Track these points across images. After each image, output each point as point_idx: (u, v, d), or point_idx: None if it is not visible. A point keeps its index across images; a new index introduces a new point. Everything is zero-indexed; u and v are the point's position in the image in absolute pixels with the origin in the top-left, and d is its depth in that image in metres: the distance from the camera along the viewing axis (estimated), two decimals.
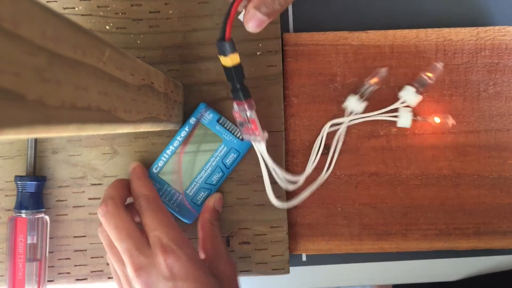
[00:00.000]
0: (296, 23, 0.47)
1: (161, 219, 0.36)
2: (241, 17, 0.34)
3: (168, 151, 0.44)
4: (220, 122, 0.44)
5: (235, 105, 0.38)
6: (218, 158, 0.43)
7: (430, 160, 0.45)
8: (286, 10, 0.47)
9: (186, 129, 0.43)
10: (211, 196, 0.43)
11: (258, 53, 0.45)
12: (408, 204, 0.45)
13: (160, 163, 0.43)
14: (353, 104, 0.44)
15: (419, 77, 0.44)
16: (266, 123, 0.45)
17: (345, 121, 0.45)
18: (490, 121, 0.46)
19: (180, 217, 0.43)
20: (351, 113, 0.45)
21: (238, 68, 0.36)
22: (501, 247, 0.45)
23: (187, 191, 0.43)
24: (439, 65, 0.44)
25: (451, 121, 0.44)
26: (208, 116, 0.44)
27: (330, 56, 0.46)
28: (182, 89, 0.44)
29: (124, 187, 0.40)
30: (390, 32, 0.46)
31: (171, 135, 0.44)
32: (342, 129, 0.45)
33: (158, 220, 0.36)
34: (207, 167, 0.43)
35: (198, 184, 0.43)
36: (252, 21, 0.34)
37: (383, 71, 0.44)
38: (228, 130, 0.44)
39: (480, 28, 0.46)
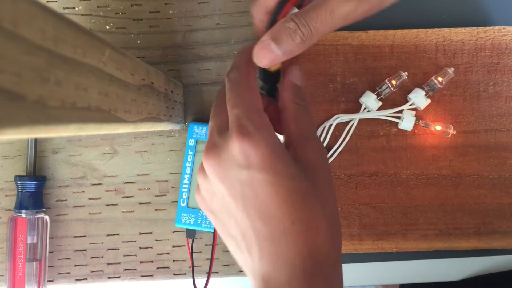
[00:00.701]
0: None
1: (246, 97, 0.29)
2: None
3: (185, 181, 0.44)
4: None
5: None
6: None
7: (430, 160, 0.45)
8: None
9: (190, 152, 0.44)
10: (287, 70, 0.33)
11: None
12: (408, 204, 0.45)
13: (184, 195, 0.44)
14: (371, 101, 0.44)
15: (430, 81, 0.44)
16: None
17: (357, 117, 0.45)
18: (490, 121, 0.46)
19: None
20: (364, 109, 0.45)
21: (278, 72, 0.33)
22: (501, 247, 0.45)
23: None
24: (450, 70, 0.44)
25: (451, 131, 0.44)
26: (202, 131, 0.44)
27: (330, 56, 0.46)
28: (182, 89, 0.44)
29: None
30: (390, 32, 0.46)
31: (171, 135, 0.45)
32: (354, 123, 0.45)
33: (242, 97, 0.29)
34: None
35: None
36: (262, 54, 0.28)
37: (404, 74, 0.44)
38: None
39: (480, 28, 0.46)
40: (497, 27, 0.46)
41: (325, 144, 0.45)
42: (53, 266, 0.44)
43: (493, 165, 0.45)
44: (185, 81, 0.45)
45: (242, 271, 0.44)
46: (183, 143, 0.45)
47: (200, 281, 0.44)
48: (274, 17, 0.30)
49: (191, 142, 0.44)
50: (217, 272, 0.44)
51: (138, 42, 0.45)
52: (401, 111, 0.45)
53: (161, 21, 0.45)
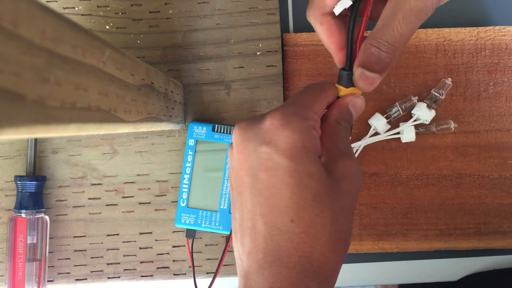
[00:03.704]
0: (296, 23, 0.47)
1: (308, 99, 0.29)
2: (336, 9, 0.29)
3: (185, 181, 0.44)
4: (216, 130, 0.44)
5: None
6: None
7: (430, 160, 0.45)
8: (286, 10, 0.47)
9: (190, 152, 0.44)
10: (348, 95, 0.31)
11: (258, 53, 0.45)
12: (408, 204, 0.45)
13: (184, 195, 0.44)
14: (381, 125, 0.44)
15: (431, 95, 0.44)
16: None
17: (361, 144, 0.45)
18: (490, 121, 0.46)
19: (227, 233, 0.44)
20: (373, 130, 0.45)
21: None
22: (501, 247, 0.45)
23: (221, 207, 0.43)
24: (448, 81, 0.44)
25: (453, 125, 0.44)
26: (202, 130, 0.44)
27: (330, 56, 0.45)
28: (182, 89, 0.44)
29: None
30: None
31: (171, 135, 0.44)
32: (358, 150, 0.45)
33: (303, 97, 0.29)
34: (226, 175, 0.44)
35: (227, 195, 0.44)
36: (362, 82, 0.29)
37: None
38: (227, 133, 0.44)
39: (480, 28, 0.46)
40: (497, 27, 0.46)
41: None
42: (53, 266, 0.44)
43: (494, 165, 0.45)
44: (185, 81, 0.45)
45: None
46: (183, 143, 0.45)
47: (200, 281, 0.44)
48: (351, 43, 0.30)
49: (191, 142, 0.44)
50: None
51: (138, 42, 0.45)
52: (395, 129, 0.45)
53: (161, 21, 0.45)
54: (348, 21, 0.29)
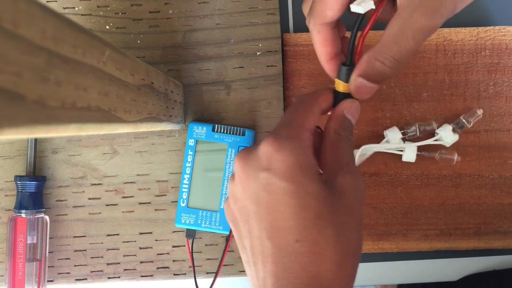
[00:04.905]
0: (296, 23, 0.47)
1: (298, 113, 0.30)
2: (355, 8, 0.29)
3: (185, 181, 0.44)
4: (216, 130, 0.44)
5: None
6: (232, 161, 0.44)
7: (431, 160, 0.45)
8: (286, 10, 0.47)
9: (190, 152, 0.44)
10: (343, 101, 0.31)
11: (258, 53, 0.45)
12: (408, 204, 0.45)
13: (184, 195, 0.44)
14: (396, 139, 0.44)
15: (458, 120, 0.44)
16: (266, 123, 0.45)
17: (372, 150, 0.44)
18: (490, 121, 0.46)
19: (227, 233, 0.44)
20: (386, 141, 0.44)
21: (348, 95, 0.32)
22: (501, 247, 0.45)
23: (221, 207, 0.43)
24: (479, 112, 0.44)
25: (456, 157, 0.44)
26: (202, 130, 0.44)
27: None
28: (182, 89, 0.44)
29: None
30: None
31: (171, 135, 0.44)
32: (368, 153, 0.44)
33: (293, 112, 0.30)
34: (226, 175, 0.44)
35: (227, 195, 0.44)
36: (359, 92, 0.30)
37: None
38: (227, 133, 0.44)
39: (480, 28, 0.46)
40: (497, 27, 0.46)
41: None
42: (53, 266, 0.44)
43: (494, 165, 0.45)
44: (185, 81, 0.45)
45: (242, 271, 0.44)
46: (183, 143, 0.45)
47: (200, 281, 0.44)
48: (352, 46, 0.30)
49: (191, 142, 0.44)
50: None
51: (138, 42, 0.45)
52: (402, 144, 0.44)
53: (161, 21, 0.45)
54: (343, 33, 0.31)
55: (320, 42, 0.31)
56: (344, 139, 0.30)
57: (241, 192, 0.28)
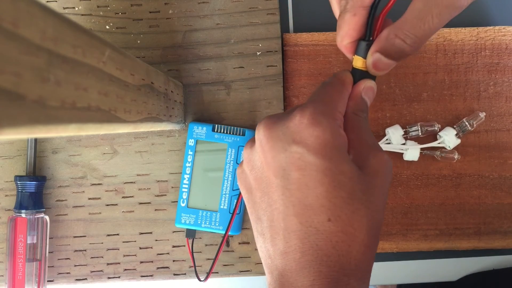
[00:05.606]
0: (296, 23, 0.47)
1: (334, 96, 0.29)
2: None
3: (185, 181, 0.44)
4: (216, 130, 0.44)
5: None
6: (232, 161, 0.44)
7: (431, 160, 0.45)
8: (286, 10, 0.47)
9: (190, 152, 0.44)
10: (360, 81, 0.31)
11: (258, 53, 0.45)
12: (408, 204, 0.45)
13: (184, 195, 0.44)
14: (398, 138, 0.44)
15: (462, 122, 0.44)
16: None
17: None
18: (490, 121, 0.46)
19: (228, 233, 0.44)
20: (386, 139, 0.44)
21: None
22: (501, 247, 0.45)
23: (221, 207, 0.43)
24: (482, 115, 0.44)
25: (456, 155, 0.44)
26: (202, 130, 0.44)
27: (330, 57, 0.46)
28: (182, 89, 0.44)
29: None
30: None
31: (171, 135, 0.44)
32: None
33: (329, 93, 0.29)
34: (226, 175, 0.44)
35: (227, 195, 0.44)
36: (376, 67, 0.30)
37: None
38: (227, 133, 0.44)
39: (480, 28, 0.46)
40: (497, 27, 0.46)
41: None
42: (53, 266, 0.44)
43: (494, 165, 0.45)
44: (185, 81, 0.45)
45: (242, 271, 0.44)
46: (183, 143, 0.45)
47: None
48: (372, 20, 0.30)
49: (191, 142, 0.44)
50: (217, 272, 0.44)
51: (138, 42, 0.45)
52: (404, 144, 0.44)
53: (161, 21, 0.45)
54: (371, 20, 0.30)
55: (352, 25, 0.30)
56: (362, 119, 0.30)
57: (263, 161, 0.27)
